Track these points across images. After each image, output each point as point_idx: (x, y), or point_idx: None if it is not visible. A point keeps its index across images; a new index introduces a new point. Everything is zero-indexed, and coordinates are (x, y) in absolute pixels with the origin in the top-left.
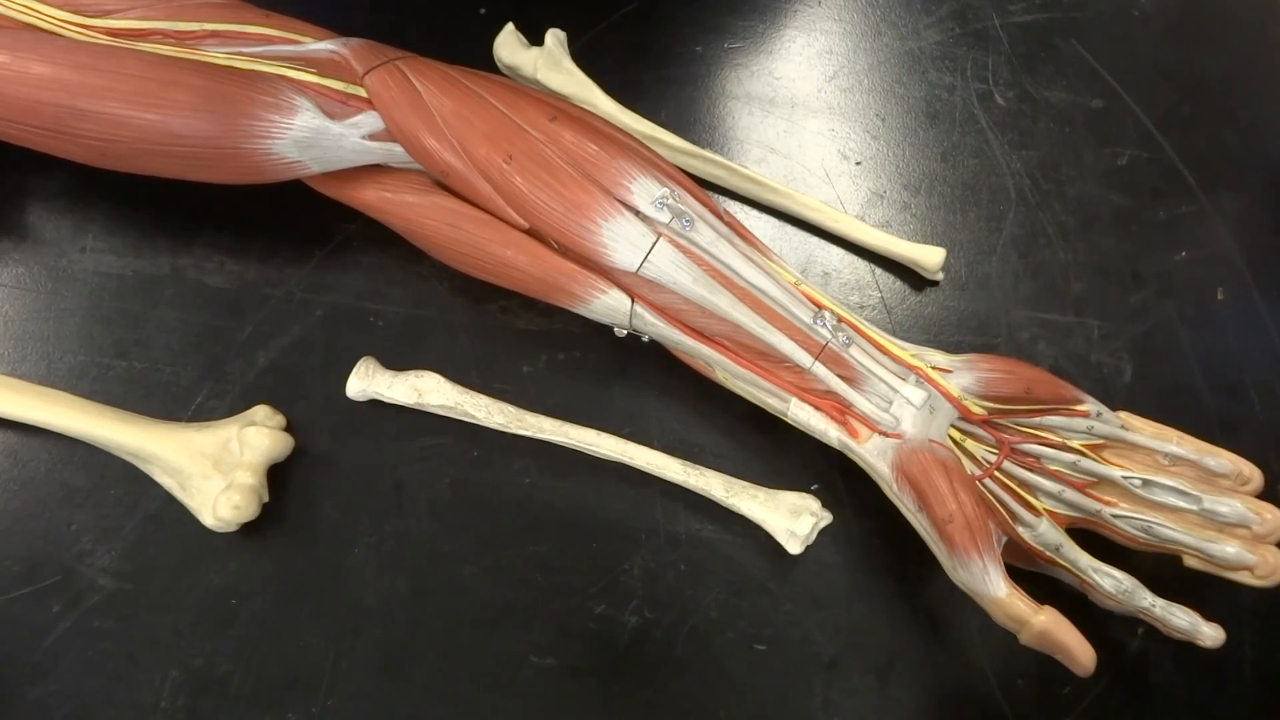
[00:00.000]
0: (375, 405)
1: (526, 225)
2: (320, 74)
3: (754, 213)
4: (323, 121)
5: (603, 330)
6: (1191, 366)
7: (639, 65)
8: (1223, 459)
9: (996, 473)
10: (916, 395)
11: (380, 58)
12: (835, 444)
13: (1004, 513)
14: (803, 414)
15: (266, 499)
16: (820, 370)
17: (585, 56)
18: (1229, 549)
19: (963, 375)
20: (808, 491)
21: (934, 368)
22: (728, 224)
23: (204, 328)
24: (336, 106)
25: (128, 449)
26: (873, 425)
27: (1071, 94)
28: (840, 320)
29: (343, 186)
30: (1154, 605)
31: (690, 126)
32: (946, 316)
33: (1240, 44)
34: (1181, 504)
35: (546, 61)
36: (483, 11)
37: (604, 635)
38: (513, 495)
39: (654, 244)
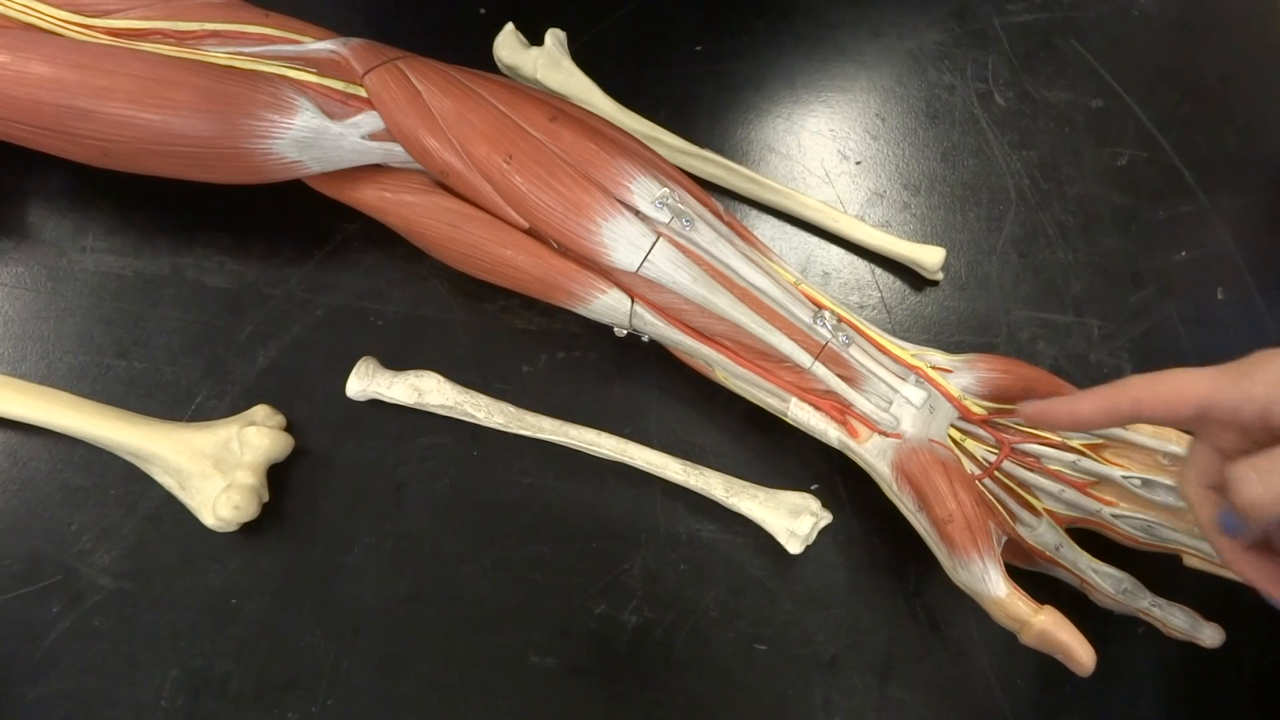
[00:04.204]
0: (375, 405)
1: (526, 225)
2: (320, 74)
3: (754, 213)
4: (323, 121)
5: (603, 330)
6: (1191, 366)
7: (639, 65)
8: None
9: (996, 472)
10: (916, 395)
11: (380, 58)
12: (835, 444)
13: (1004, 512)
14: (803, 414)
15: (266, 499)
16: (820, 370)
17: (585, 56)
18: None
19: (963, 375)
20: (808, 491)
21: (934, 367)
22: (728, 224)
23: (204, 328)
24: (336, 106)
25: (128, 449)
26: (873, 425)
27: (1071, 94)
28: (840, 320)
29: (343, 186)
30: (1154, 605)
31: (690, 126)
32: (946, 316)
33: (1240, 44)
34: (1181, 504)
35: (546, 61)
36: (483, 11)
37: (604, 635)
38: (513, 495)
39: (654, 244)
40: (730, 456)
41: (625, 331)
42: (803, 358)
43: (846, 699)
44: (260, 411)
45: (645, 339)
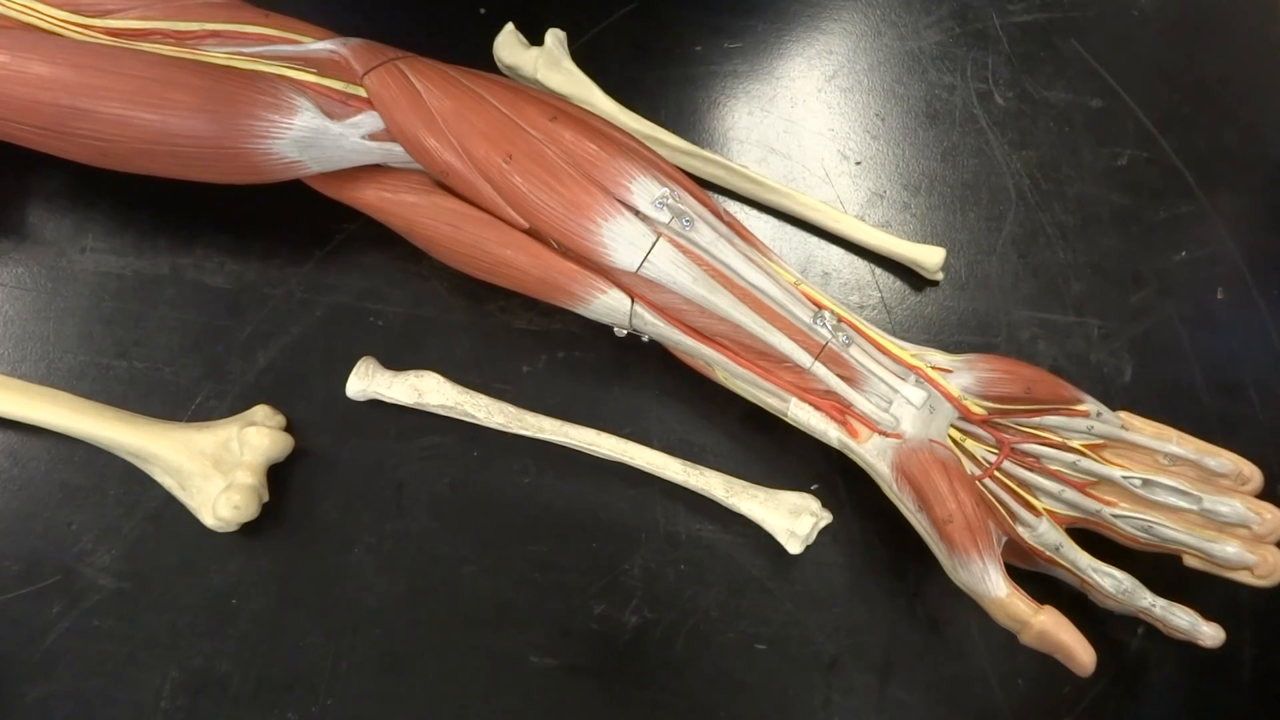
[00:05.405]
0: (375, 405)
1: (526, 225)
2: (320, 74)
3: (754, 213)
4: (322, 121)
5: (603, 330)
6: (1191, 366)
7: (639, 65)
8: (1223, 459)
9: (996, 473)
10: (916, 395)
11: (380, 57)
12: (835, 444)
13: (1004, 513)
14: (803, 414)
15: (266, 499)
16: (820, 370)
17: (585, 56)
18: (1229, 549)
19: (963, 375)
20: (808, 491)
21: (934, 367)
22: (728, 224)
23: (204, 328)
24: (336, 106)
25: (128, 449)
26: (873, 425)
27: (1071, 94)
28: (840, 320)
29: (343, 186)
30: (1154, 605)
31: (690, 126)
32: (946, 316)
33: (1240, 44)
34: (1181, 504)
35: (546, 61)
36: (483, 11)
37: (604, 635)
38: (513, 495)
39: (654, 244)
40: (730, 456)
41: (625, 331)
42: (803, 358)
43: (846, 699)
44: (260, 411)
45: (645, 339)
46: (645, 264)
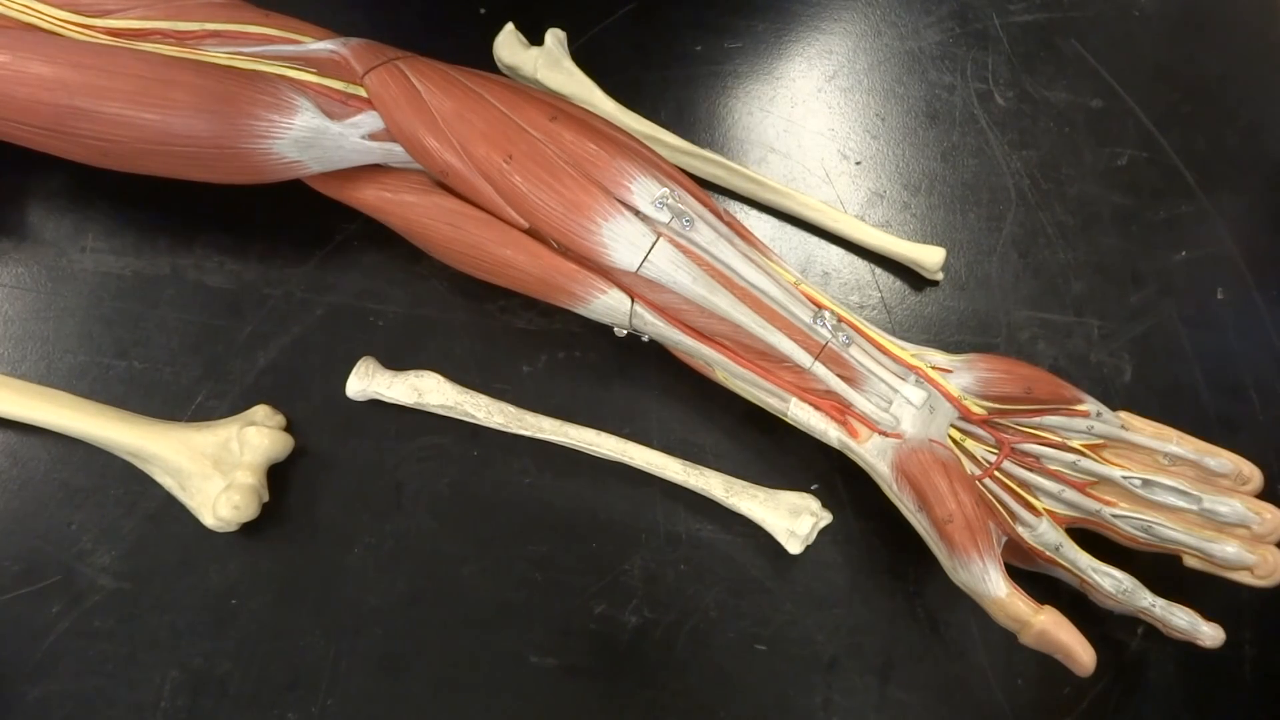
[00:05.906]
0: (375, 405)
1: (526, 225)
2: (320, 74)
3: (754, 213)
4: (322, 121)
5: (603, 330)
6: (1191, 366)
7: (639, 65)
8: (1222, 459)
9: (996, 472)
10: (916, 395)
11: (380, 57)
12: (835, 444)
13: (1004, 513)
14: (803, 414)
15: (266, 499)
16: (820, 370)
17: (585, 56)
18: (1229, 549)
19: (963, 375)
20: (808, 491)
21: (934, 367)
22: (728, 224)
23: (204, 328)
24: (336, 106)
25: (128, 449)
26: (872, 425)
27: (1071, 94)
28: (840, 320)
29: (343, 186)
30: (1154, 605)
31: (690, 126)
32: (946, 316)
33: (1240, 44)
34: (1181, 504)
35: (546, 61)
36: (483, 11)
37: (604, 635)
38: (513, 495)
39: (654, 244)
40: (730, 456)
41: (625, 331)
42: (803, 358)
43: (846, 699)
44: (260, 411)
45: (645, 339)
46: (645, 264)
